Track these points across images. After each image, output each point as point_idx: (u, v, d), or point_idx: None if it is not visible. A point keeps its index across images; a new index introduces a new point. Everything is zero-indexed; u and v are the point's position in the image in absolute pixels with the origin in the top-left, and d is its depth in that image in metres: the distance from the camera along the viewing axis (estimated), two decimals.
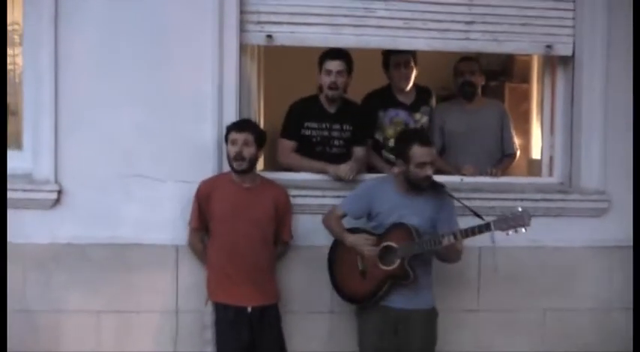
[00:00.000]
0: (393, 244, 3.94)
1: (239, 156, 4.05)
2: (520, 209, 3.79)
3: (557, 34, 4.65)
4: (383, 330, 4.02)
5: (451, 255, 3.95)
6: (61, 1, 4.24)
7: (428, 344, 4.07)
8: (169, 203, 4.33)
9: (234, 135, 4.08)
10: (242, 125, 4.14)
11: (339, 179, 4.41)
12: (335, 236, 4.18)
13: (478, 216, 3.90)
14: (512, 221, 3.76)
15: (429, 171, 3.94)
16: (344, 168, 4.40)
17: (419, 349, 4.02)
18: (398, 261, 3.91)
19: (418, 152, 3.92)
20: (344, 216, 4.15)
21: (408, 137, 4.07)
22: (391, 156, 4.59)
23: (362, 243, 4.00)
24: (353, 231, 4.11)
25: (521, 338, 4.62)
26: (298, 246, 4.38)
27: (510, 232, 3.77)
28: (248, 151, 4.07)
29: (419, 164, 3.92)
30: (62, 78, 4.26)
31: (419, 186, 3.98)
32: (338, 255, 4.18)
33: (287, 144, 4.61)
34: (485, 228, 3.79)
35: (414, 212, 3.98)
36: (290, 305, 4.37)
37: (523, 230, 3.77)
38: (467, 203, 4.30)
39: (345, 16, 4.50)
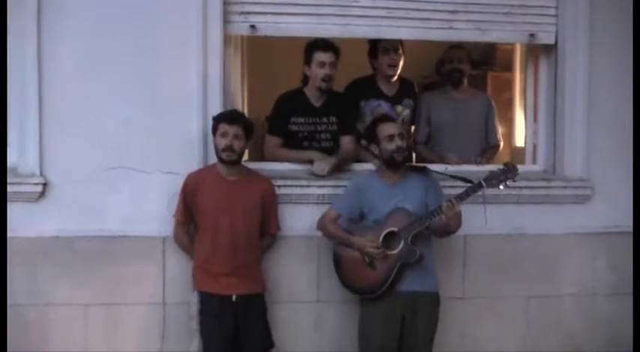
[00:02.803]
0: (394, 229, 4.00)
1: (229, 149, 4.05)
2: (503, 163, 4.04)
3: (540, 22, 4.67)
4: (391, 318, 4.05)
5: (454, 221, 3.99)
6: None
7: (432, 329, 4.13)
8: (156, 195, 4.32)
9: (224, 128, 4.07)
10: (233, 117, 4.13)
11: (316, 176, 4.41)
12: (337, 241, 4.20)
13: (467, 180, 4.06)
14: (502, 175, 3.96)
15: (399, 141, 4.08)
16: (317, 165, 4.40)
17: (423, 336, 4.08)
18: (402, 243, 3.98)
19: (383, 127, 4.13)
20: (338, 217, 4.18)
21: (374, 121, 4.27)
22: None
23: (366, 245, 4.04)
24: (352, 229, 4.14)
25: (506, 325, 4.66)
26: (283, 236, 4.38)
27: (501, 186, 3.95)
28: (238, 144, 4.07)
29: (387, 137, 4.08)
30: (47, 71, 4.24)
31: (395, 162, 4.09)
32: (341, 254, 4.20)
33: (273, 141, 4.59)
34: (478, 187, 3.96)
35: (405, 198, 4.07)
36: (276, 295, 4.38)
37: (512, 182, 3.97)
38: (452, 191, 4.38)
39: (329, 5, 4.49)
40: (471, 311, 4.62)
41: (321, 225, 4.23)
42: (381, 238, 4.03)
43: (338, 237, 4.18)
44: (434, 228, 4.05)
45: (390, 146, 4.08)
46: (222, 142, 4.06)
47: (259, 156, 4.76)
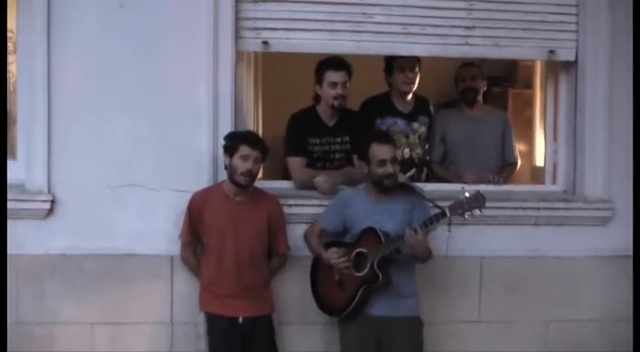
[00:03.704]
0: (364, 250, 3.90)
1: (249, 174, 3.97)
2: (472, 192, 3.80)
3: (560, 38, 4.56)
4: (364, 341, 3.96)
5: (421, 251, 3.84)
6: (54, 11, 4.18)
7: None
8: (164, 213, 4.25)
9: (246, 151, 3.95)
10: (256, 141, 4.02)
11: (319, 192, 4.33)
12: (313, 253, 4.15)
13: (437, 206, 3.87)
14: (467, 204, 3.76)
15: (389, 168, 3.94)
16: (319, 181, 4.31)
17: None
18: (368, 265, 3.87)
19: (376, 150, 3.96)
20: (323, 231, 4.12)
21: (368, 137, 4.10)
22: None
23: (332, 256, 3.96)
24: (330, 244, 4.07)
25: (523, 349, 4.51)
26: (295, 256, 4.28)
27: (467, 215, 3.75)
28: (257, 168, 4.01)
29: (378, 162, 3.94)
30: (56, 87, 4.20)
31: (384, 186, 3.98)
32: (318, 270, 4.14)
33: (298, 161, 4.47)
34: (441, 215, 3.78)
35: (387, 217, 3.94)
36: (286, 316, 4.29)
37: (478, 212, 3.76)
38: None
39: (343, 21, 4.42)
40: (487, 335, 4.49)
41: (306, 235, 4.17)
42: (352, 257, 3.93)
43: (313, 249, 4.13)
44: (407, 253, 3.91)
45: (380, 171, 3.94)
46: (243, 166, 3.95)
47: (275, 174, 4.67)
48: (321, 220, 4.14)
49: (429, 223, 3.79)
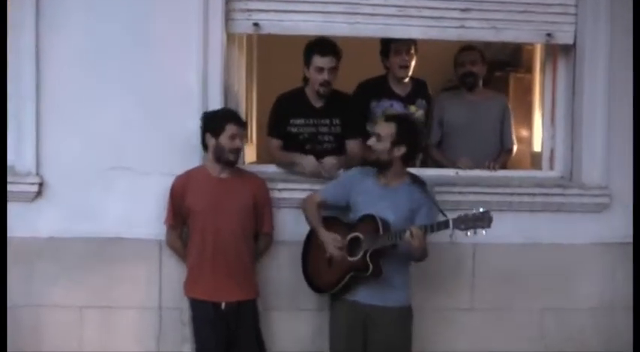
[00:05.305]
0: (360, 235, 3.82)
1: (238, 151, 3.97)
2: (482, 209, 3.60)
3: (558, 21, 4.45)
4: (351, 325, 3.90)
5: (414, 252, 3.73)
6: None
7: (398, 345, 3.89)
8: (154, 196, 4.20)
9: (234, 129, 3.94)
10: (241, 119, 4.04)
11: (316, 176, 4.24)
12: (310, 224, 4.06)
13: (442, 213, 3.75)
14: (472, 222, 3.57)
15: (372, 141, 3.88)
16: (327, 168, 4.24)
17: (388, 349, 3.88)
18: (361, 253, 3.78)
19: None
20: (323, 202, 4.03)
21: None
22: None
23: (330, 243, 3.89)
24: (329, 220, 4.00)
25: (519, 338, 4.45)
26: (285, 241, 4.25)
27: (469, 233, 3.58)
28: (242, 145, 4.02)
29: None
30: (44, 68, 4.18)
31: (368, 161, 3.95)
32: (311, 242, 4.07)
33: (274, 143, 4.46)
34: (443, 225, 3.63)
35: (389, 205, 3.83)
36: (276, 301, 4.27)
37: (483, 232, 3.58)
38: (461, 198, 4.23)
39: (337, 3, 4.34)
40: (480, 323, 4.43)
41: (304, 203, 4.09)
42: (347, 240, 3.85)
43: (311, 222, 4.04)
44: (403, 251, 3.80)
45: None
46: (232, 144, 3.94)
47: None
48: (323, 192, 4.05)
49: (430, 231, 3.66)
